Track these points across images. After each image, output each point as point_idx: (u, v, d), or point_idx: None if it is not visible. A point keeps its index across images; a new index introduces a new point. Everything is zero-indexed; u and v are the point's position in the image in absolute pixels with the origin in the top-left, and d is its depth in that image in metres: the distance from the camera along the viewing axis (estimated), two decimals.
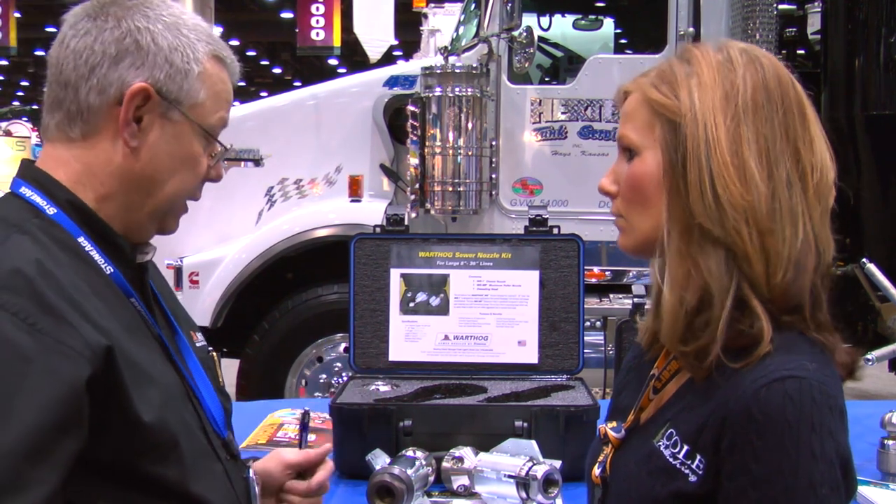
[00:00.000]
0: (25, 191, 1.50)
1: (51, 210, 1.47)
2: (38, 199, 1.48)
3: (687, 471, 1.33)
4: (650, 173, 1.41)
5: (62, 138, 1.53)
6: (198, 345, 1.74)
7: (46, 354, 1.29)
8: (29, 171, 1.53)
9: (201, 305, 5.56)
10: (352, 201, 5.78)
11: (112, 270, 1.50)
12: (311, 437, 1.97)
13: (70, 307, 1.35)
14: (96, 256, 1.48)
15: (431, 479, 2.29)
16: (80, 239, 1.48)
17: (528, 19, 5.80)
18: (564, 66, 6.27)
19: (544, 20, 6.43)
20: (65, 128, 1.52)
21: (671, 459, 1.36)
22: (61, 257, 1.41)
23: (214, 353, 1.81)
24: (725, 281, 1.33)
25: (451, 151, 5.35)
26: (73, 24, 1.52)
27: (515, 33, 5.34)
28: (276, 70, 35.92)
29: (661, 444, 1.39)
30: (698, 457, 1.33)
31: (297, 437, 1.91)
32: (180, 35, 1.53)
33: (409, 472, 2.14)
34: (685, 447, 1.35)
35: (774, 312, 1.34)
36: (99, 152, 1.51)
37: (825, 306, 1.38)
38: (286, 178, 5.84)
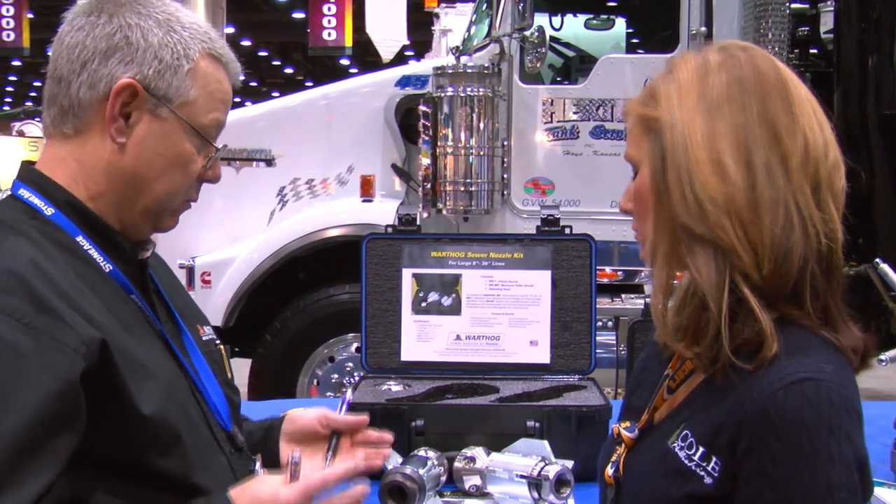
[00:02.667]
0: (24, 192, 1.52)
1: (49, 211, 1.49)
2: (36, 201, 1.50)
3: (702, 473, 1.33)
4: (646, 184, 1.44)
5: (58, 135, 1.54)
6: (204, 339, 1.75)
7: (42, 351, 1.31)
8: (28, 174, 1.54)
9: (213, 305, 5.57)
10: (363, 201, 5.78)
11: (111, 268, 1.51)
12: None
13: (65, 304, 1.36)
14: (95, 255, 1.50)
15: (443, 479, 2.29)
16: (79, 238, 1.49)
17: (540, 19, 5.79)
18: (576, 65, 6.26)
19: (556, 20, 6.42)
20: (59, 124, 1.54)
21: (686, 461, 1.36)
22: (58, 256, 1.43)
23: (222, 347, 1.82)
24: (714, 277, 1.34)
25: (462, 151, 5.35)
26: (71, 21, 1.54)
27: (527, 33, 5.34)
28: (288, 70, 35.95)
29: (675, 445, 1.39)
30: (714, 459, 1.32)
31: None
32: (172, 32, 1.53)
33: (421, 471, 2.14)
34: (701, 449, 1.35)
35: (777, 306, 1.34)
36: (90, 148, 1.52)
37: (828, 293, 1.37)
38: (298, 178, 5.85)
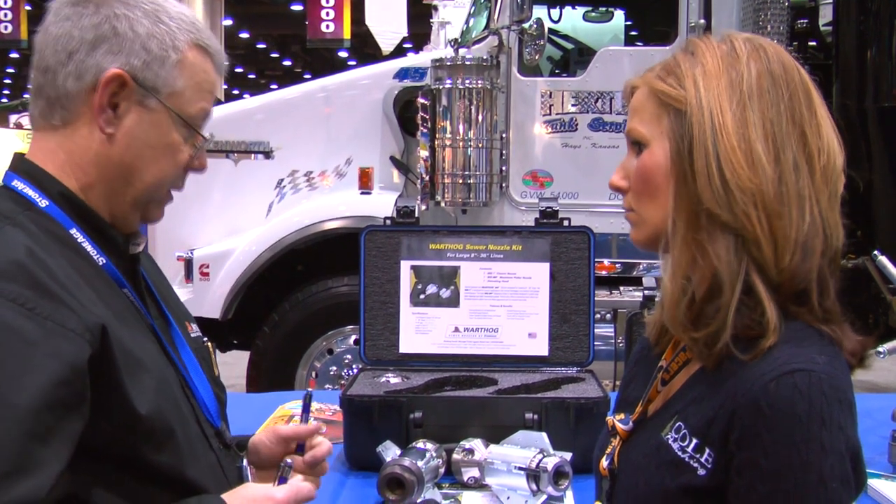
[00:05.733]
0: (17, 184, 1.51)
1: (43, 202, 1.49)
2: (30, 192, 1.50)
3: (696, 464, 1.33)
4: (659, 163, 1.42)
5: (46, 126, 1.54)
6: (192, 335, 1.75)
7: (49, 337, 1.32)
8: (21, 164, 1.54)
9: (212, 297, 5.58)
10: (362, 193, 5.78)
11: (104, 261, 1.51)
12: (323, 428, 1.88)
13: (64, 291, 1.37)
14: (88, 247, 1.50)
15: (442, 470, 2.29)
16: (73, 231, 1.49)
17: (539, 11, 5.79)
18: (575, 58, 6.25)
19: (555, 12, 6.42)
20: (47, 115, 1.53)
21: (680, 453, 1.36)
22: (53, 247, 1.43)
23: (209, 344, 1.81)
24: (735, 266, 1.33)
25: (461, 143, 5.35)
26: (56, 11, 1.53)
27: (526, 25, 5.33)
28: (287, 62, 35.86)
29: (669, 436, 1.39)
30: (707, 450, 1.32)
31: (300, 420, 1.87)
32: (160, 23, 1.52)
33: (420, 463, 2.15)
34: (694, 440, 1.35)
35: (781, 301, 1.34)
36: (78, 139, 1.52)
37: (833, 294, 1.37)
38: (296, 171, 5.85)
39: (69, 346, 1.33)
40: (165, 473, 1.47)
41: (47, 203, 1.49)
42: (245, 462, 1.74)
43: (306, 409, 1.81)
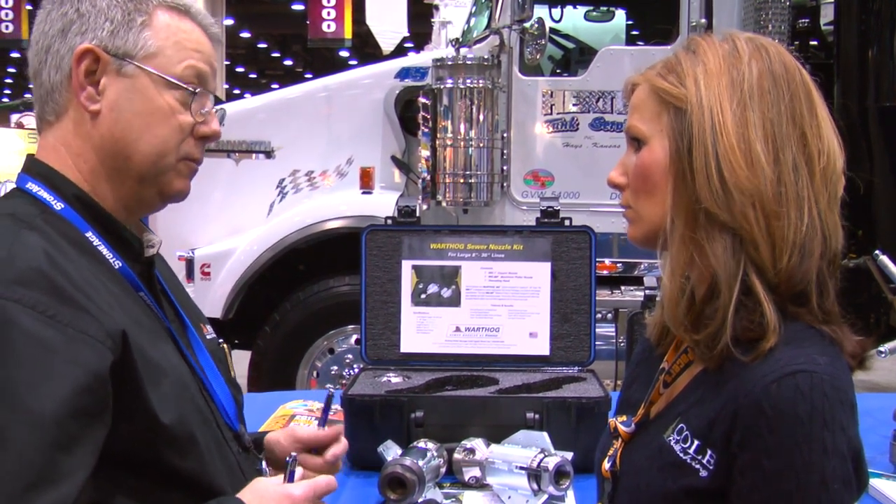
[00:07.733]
0: (32, 186, 1.50)
1: (58, 205, 1.48)
2: (44, 195, 1.49)
3: (698, 466, 1.33)
4: (658, 161, 1.42)
5: (45, 126, 1.55)
6: (208, 337, 1.74)
7: (70, 344, 1.30)
8: (34, 166, 1.54)
9: (213, 297, 5.58)
10: (363, 193, 5.78)
11: (120, 265, 1.50)
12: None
13: (84, 297, 1.36)
14: (104, 251, 1.49)
15: (443, 470, 2.29)
16: (88, 234, 1.48)
17: (540, 10, 5.78)
18: (576, 57, 6.25)
19: (556, 11, 6.42)
20: (44, 115, 1.55)
21: (682, 454, 1.36)
22: (70, 252, 1.42)
23: (226, 345, 1.81)
24: (732, 266, 1.33)
25: (462, 143, 5.35)
26: (36, 21, 1.56)
27: (527, 25, 5.33)
28: (288, 62, 35.88)
29: (671, 438, 1.39)
30: (709, 452, 1.32)
31: (317, 418, 1.88)
32: None
33: (421, 463, 2.15)
34: (696, 442, 1.35)
35: (780, 302, 1.34)
36: (71, 126, 1.52)
37: (832, 295, 1.37)
38: (298, 170, 5.85)
39: (91, 353, 1.32)
40: (189, 479, 1.47)
41: (63, 206, 1.48)
42: (264, 464, 1.74)
43: (326, 409, 1.82)
